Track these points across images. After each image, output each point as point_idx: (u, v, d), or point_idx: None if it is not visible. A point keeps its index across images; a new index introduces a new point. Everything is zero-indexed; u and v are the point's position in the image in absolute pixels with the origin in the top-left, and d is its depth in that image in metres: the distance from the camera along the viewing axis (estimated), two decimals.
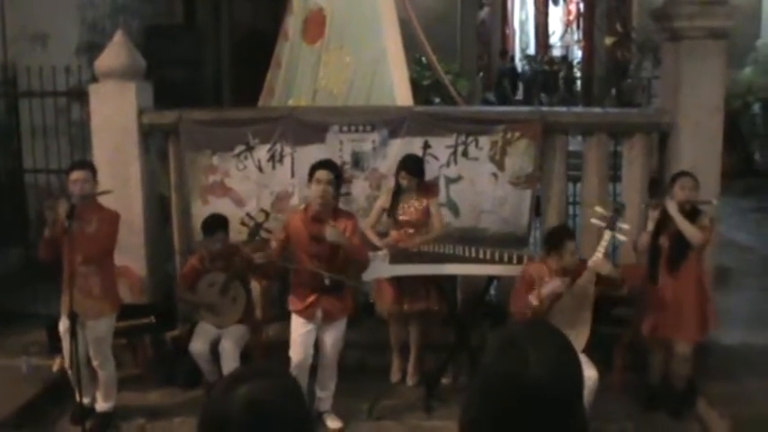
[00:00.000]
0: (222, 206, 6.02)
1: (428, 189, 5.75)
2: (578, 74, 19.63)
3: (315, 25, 7.07)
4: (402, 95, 6.71)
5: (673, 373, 5.30)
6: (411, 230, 5.58)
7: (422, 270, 5.40)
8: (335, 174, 4.94)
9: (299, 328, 5.05)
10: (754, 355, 5.87)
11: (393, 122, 6.12)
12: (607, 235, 4.93)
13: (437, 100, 9.42)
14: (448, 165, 6.11)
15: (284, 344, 5.16)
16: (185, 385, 5.66)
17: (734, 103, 10.19)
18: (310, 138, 6.11)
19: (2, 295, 6.65)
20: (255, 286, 5.93)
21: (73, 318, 4.71)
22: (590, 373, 4.65)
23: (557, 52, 22.62)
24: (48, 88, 6.76)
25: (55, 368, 5.63)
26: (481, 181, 6.12)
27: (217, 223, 5.53)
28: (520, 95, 20.06)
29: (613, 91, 16.06)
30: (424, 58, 8.98)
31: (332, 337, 5.11)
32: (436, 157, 6.10)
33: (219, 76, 11.71)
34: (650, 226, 5.23)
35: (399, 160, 5.70)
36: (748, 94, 11.37)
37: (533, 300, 4.84)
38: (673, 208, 5.06)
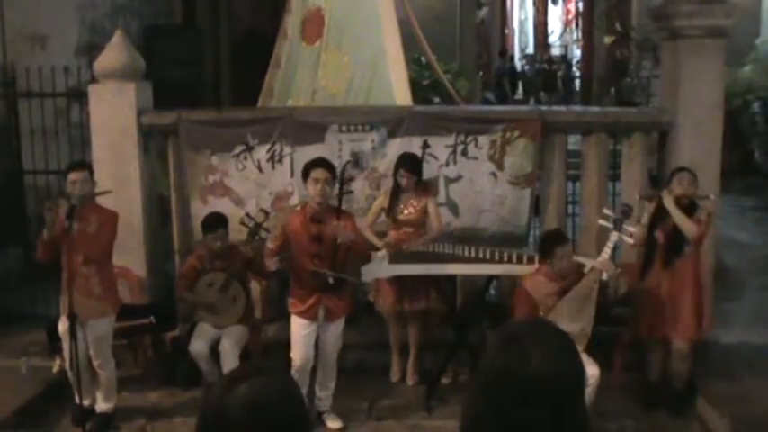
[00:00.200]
0: (221, 206, 6.01)
1: (426, 188, 5.75)
2: (577, 73, 19.66)
3: (313, 25, 7.07)
4: (401, 95, 6.71)
5: (671, 372, 5.30)
6: (410, 230, 5.58)
7: (421, 270, 5.40)
8: (331, 172, 4.94)
9: (301, 330, 5.04)
10: (753, 353, 5.87)
11: (392, 122, 6.12)
12: (613, 236, 4.95)
13: (436, 99, 9.41)
14: (447, 164, 6.12)
15: (284, 343, 5.16)
16: (185, 385, 5.66)
17: (734, 101, 10.20)
18: (309, 138, 6.12)
19: (2, 296, 6.66)
20: (255, 286, 5.94)
21: (72, 319, 4.71)
22: (592, 370, 4.66)
23: (556, 51, 22.64)
24: (47, 89, 6.76)
25: (55, 369, 5.63)
26: (480, 180, 6.12)
27: (217, 221, 5.54)
28: (519, 95, 20.08)
29: (612, 90, 16.09)
30: (423, 58, 8.96)
31: (332, 337, 5.11)
32: (435, 157, 6.10)
33: (219, 76, 11.71)
34: (645, 219, 5.23)
35: (396, 159, 5.69)
36: (748, 93, 11.37)
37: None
38: (669, 200, 5.05)
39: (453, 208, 6.15)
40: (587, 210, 6.16)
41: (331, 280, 4.93)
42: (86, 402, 5.06)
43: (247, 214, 5.67)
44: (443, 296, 5.71)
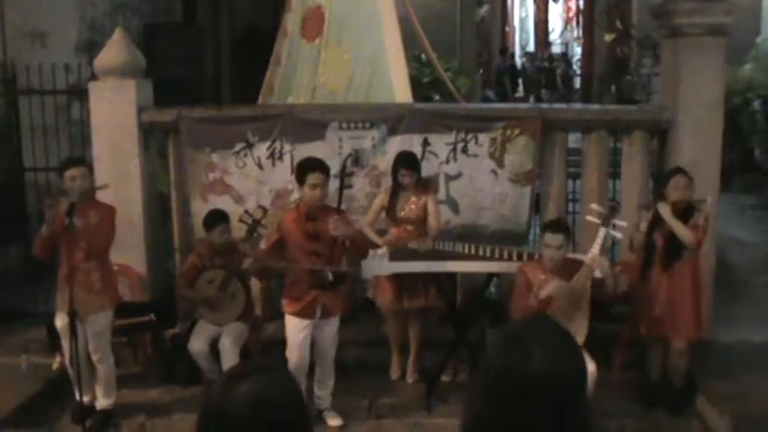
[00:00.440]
0: (222, 204, 6.02)
1: (426, 186, 5.74)
2: (578, 71, 19.64)
3: (314, 22, 7.07)
4: (401, 92, 6.71)
5: (670, 368, 5.30)
6: (410, 227, 5.58)
7: (422, 267, 5.40)
8: (327, 173, 4.93)
9: (296, 330, 5.01)
10: (753, 352, 5.86)
11: (392, 120, 6.12)
12: (602, 232, 4.92)
13: (436, 97, 9.41)
14: (447, 162, 6.12)
15: (283, 342, 5.14)
16: (185, 383, 5.65)
17: (734, 99, 10.19)
18: (310, 135, 6.11)
19: (2, 294, 6.66)
20: (255, 283, 5.93)
21: (72, 315, 4.71)
22: (589, 368, 4.64)
23: (556, 49, 22.61)
24: (47, 86, 6.76)
25: (55, 366, 5.64)
26: (481, 178, 6.12)
27: (218, 218, 5.55)
28: (520, 92, 20.07)
29: (613, 87, 16.08)
30: (423, 56, 8.97)
31: (329, 334, 5.11)
32: (436, 155, 6.10)
33: (219, 73, 11.71)
34: (643, 226, 5.23)
35: (394, 159, 5.68)
36: (748, 91, 11.36)
37: (532, 302, 4.83)
38: (665, 211, 5.05)
39: (453, 205, 6.15)
40: (587, 208, 6.15)
41: (330, 277, 4.93)
42: (86, 399, 5.07)
43: (246, 211, 5.67)
44: (443, 293, 5.71)
